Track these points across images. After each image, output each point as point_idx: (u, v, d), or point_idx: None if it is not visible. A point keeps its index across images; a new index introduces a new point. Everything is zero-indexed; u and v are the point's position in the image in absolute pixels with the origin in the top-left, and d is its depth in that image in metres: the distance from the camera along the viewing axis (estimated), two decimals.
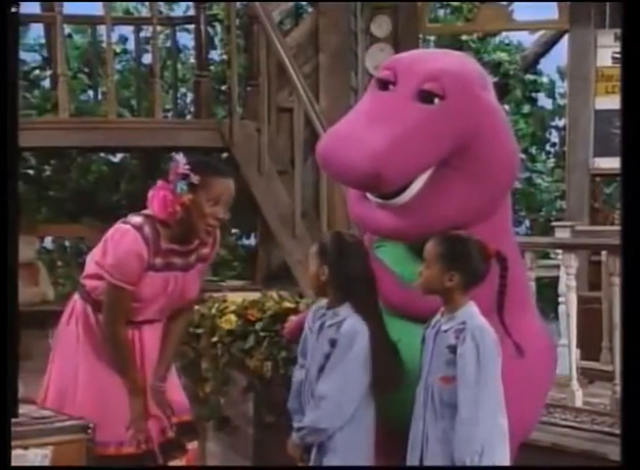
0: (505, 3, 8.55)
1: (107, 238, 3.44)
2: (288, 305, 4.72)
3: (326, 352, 3.18)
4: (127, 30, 9.08)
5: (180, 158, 3.41)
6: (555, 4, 7.33)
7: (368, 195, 3.24)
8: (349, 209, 3.40)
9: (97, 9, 7.11)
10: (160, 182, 3.42)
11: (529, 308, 3.59)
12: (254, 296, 4.89)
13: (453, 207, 3.14)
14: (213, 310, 4.72)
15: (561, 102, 11.78)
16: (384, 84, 3.23)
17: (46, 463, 3.04)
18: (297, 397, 3.29)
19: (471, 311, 3.03)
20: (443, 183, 3.13)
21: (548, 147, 12.36)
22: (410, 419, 3.09)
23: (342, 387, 3.13)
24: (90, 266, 3.52)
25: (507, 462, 3.01)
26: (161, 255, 3.42)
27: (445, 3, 11.05)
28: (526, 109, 12.23)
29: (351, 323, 3.16)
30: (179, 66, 9.38)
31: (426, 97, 3.11)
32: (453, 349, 2.97)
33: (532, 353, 3.23)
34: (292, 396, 3.32)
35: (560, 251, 5.38)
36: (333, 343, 3.17)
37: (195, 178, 3.35)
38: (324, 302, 3.31)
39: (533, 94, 12.24)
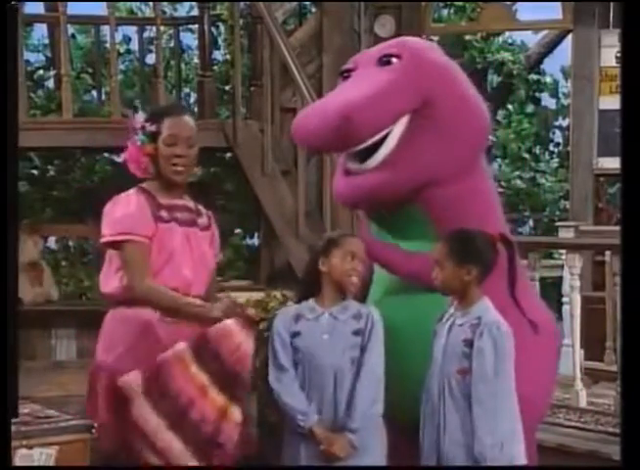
0: (509, 3, 8.56)
1: (104, 214, 3.47)
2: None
3: (356, 343, 3.22)
4: (131, 31, 9.07)
5: (138, 114, 3.53)
6: (559, 4, 7.32)
7: (348, 164, 3.36)
8: (335, 190, 3.49)
9: (100, 9, 7.11)
10: (128, 144, 3.49)
11: (524, 283, 3.66)
12: (258, 296, 4.89)
13: (425, 162, 3.25)
14: None
15: (565, 102, 11.79)
16: (347, 73, 3.45)
17: (50, 463, 3.05)
18: (300, 396, 3.24)
19: (485, 306, 3.10)
20: (415, 140, 3.25)
21: (552, 147, 12.37)
22: (415, 412, 3.15)
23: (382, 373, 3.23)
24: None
25: (523, 457, 3.06)
26: (164, 208, 3.44)
27: (449, 3, 11.05)
28: (530, 109, 12.25)
29: (377, 313, 3.25)
30: (183, 66, 9.41)
31: (385, 61, 3.35)
32: (469, 342, 3.04)
33: (533, 330, 3.35)
34: (292, 395, 3.24)
35: (564, 251, 5.38)
36: (359, 332, 3.23)
37: (150, 127, 3.44)
38: (289, 308, 3.42)
39: (537, 94, 12.26)
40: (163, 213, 3.42)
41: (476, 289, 3.11)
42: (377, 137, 3.22)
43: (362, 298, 3.38)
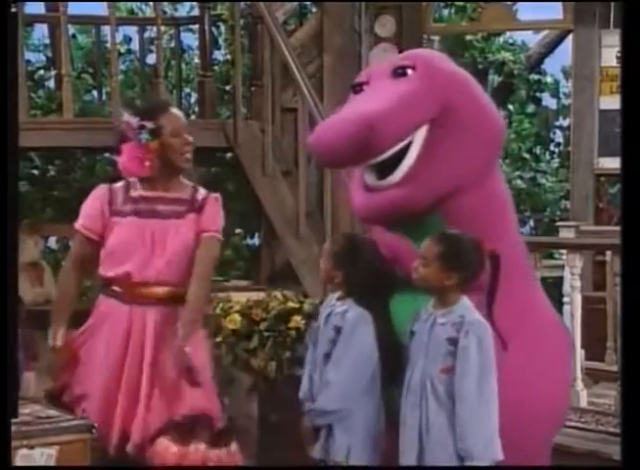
0: (509, 3, 8.55)
1: None
2: (292, 304, 4.73)
3: (331, 338, 3.31)
4: (131, 31, 9.07)
5: (127, 115, 3.60)
6: (559, 4, 7.33)
7: (366, 179, 3.32)
8: (352, 204, 3.44)
9: (101, 9, 7.11)
10: (124, 147, 3.56)
11: (533, 283, 3.70)
12: (259, 296, 4.90)
13: (447, 173, 3.25)
14: (217, 310, 4.72)
15: (565, 102, 11.79)
16: (359, 87, 3.44)
17: (51, 463, 3.05)
18: (305, 379, 3.41)
19: (467, 305, 3.12)
20: (436, 151, 3.23)
21: (552, 147, 12.37)
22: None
23: (349, 372, 3.24)
24: None
25: (501, 453, 3.05)
26: (130, 201, 3.57)
27: (449, 3, 11.04)
28: (531, 109, 12.25)
29: (355, 313, 3.27)
30: (183, 66, 9.41)
31: (399, 72, 3.34)
32: (453, 341, 3.05)
33: (545, 329, 3.48)
34: (304, 382, 3.41)
35: (564, 251, 5.38)
36: (337, 330, 3.29)
37: (150, 124, 3.53)
38: (335, 296, 3.42)
39: (538, 94, 12.25)
40: (127, 207, 3.57)
41: (456, 291, 3.13)
42: (396, 148, 3.20)
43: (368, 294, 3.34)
